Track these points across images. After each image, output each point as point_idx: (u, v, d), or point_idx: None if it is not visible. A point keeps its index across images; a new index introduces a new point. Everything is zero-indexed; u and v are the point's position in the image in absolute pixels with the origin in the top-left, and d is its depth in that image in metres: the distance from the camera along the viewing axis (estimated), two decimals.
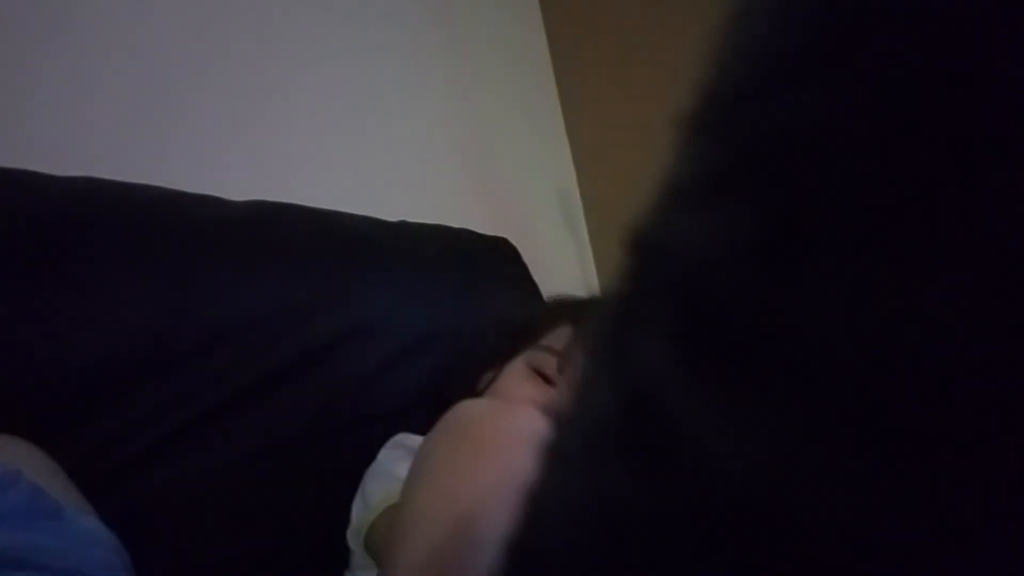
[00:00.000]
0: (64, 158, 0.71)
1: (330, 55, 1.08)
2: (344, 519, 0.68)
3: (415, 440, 0.68)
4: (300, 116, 1.02)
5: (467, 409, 0.48)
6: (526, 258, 1.03)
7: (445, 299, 0.88)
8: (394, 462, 0.66)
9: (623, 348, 0.18)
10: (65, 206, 0.68)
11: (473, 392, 0.77)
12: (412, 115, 1.17)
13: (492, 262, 0.98)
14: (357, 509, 0.65)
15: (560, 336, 0.75)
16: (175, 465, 0.68)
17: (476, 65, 1.30)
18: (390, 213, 0.93)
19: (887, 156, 0.15)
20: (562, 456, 0.20)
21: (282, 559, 0.70)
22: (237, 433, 0.71)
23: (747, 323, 0.16)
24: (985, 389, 0.14)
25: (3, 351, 0.62)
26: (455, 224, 0.99)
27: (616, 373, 0.19)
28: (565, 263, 1.32)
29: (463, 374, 0.79)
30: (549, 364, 0.73)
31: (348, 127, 1.08)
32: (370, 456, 0.71)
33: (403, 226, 0.93)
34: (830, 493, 0.14)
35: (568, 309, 0.79)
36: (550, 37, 1.49)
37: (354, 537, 0.65)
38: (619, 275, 0.19)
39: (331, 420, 0.76)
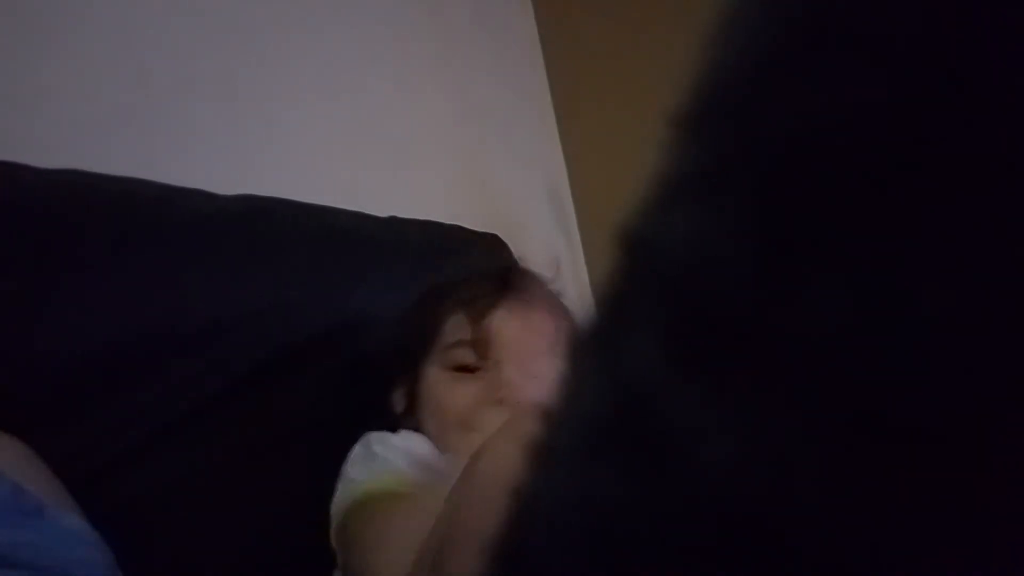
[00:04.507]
0: (52, 151, 0.71)
1: (320, 50, 1.07)
2: None
3: (377, 437, 0.67)
4: (290, 111, 1.01)
5: (496, 460, 0.43)
6: (517, 254, 1.03)
7: None
8: (350, 464, 0.66)
9: (614, 346, 0.18)
10: (52, 200, 0.68)
11: (394, 417, 0.72)
12: (403, 111, 1.17)
13: (483, 258, 0.98)
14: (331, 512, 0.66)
15: (453, 328, 0.70)
16: (164, 463, 0.67)
17: (467, 61, 1.30)
18: (381, 209, 0.93)
19: (881, 156, 0.14)
20: (551, 455, 0.20)
21: (273, 558, 0.70)
22: (227, 430, 0.71)
23: (739, 323, 0.16)
24: (982, 391, 0.14)
25: None
26: (446, 220, 0.99)
27: (607, 371, 0.18)
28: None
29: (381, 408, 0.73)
30: (464, 356, 0.68)
31: (339, 123, 1.08)
32: None
33: (394, 222, 0.93)
34: (820, 495, 0.14)
35: (446, 299, 0.73)
36: (542, 33, 1.49)
37: (333, 538, 0.65)
38: (611, 272, 0.19)
39: (323, 416, 0.76)
